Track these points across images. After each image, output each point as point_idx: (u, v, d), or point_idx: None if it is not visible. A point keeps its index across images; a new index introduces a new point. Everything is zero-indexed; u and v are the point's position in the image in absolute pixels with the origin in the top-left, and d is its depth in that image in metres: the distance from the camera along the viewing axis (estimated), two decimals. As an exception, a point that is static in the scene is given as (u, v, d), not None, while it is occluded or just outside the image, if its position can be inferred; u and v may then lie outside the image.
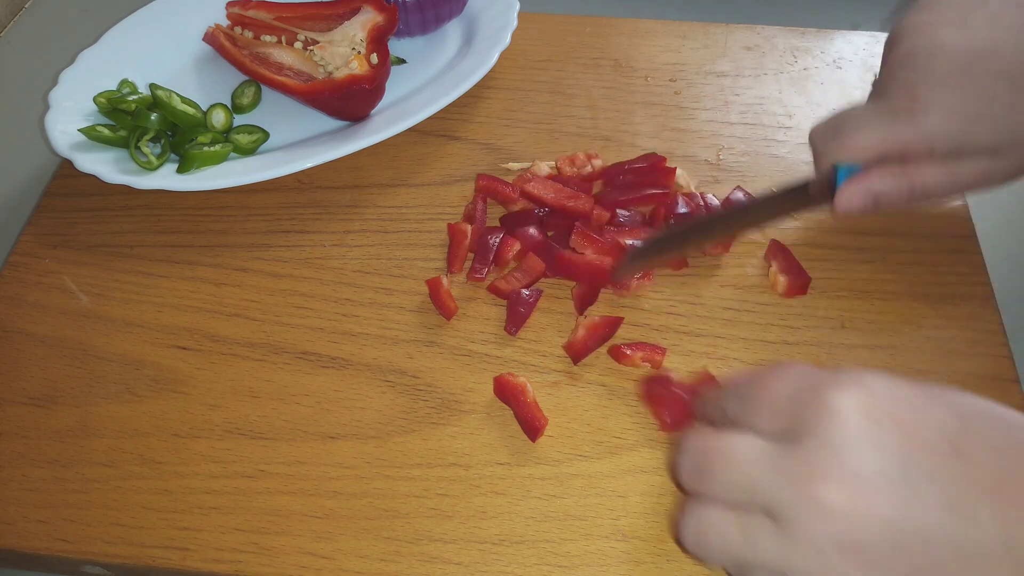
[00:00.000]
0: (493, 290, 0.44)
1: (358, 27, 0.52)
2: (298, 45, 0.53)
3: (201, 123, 0.51)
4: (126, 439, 0.40)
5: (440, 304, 0.44)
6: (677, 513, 0.31)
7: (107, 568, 0.37)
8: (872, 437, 0.27)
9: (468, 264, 0.46)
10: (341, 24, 0.53)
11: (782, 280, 0.44)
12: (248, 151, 0.51)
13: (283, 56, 0.54)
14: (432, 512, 0.38)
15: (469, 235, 0.46)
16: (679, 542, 0.33)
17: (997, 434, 0.28)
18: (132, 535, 0.37)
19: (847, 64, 0.56)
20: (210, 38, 0.57)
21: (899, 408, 0.28)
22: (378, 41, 0.51)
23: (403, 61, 0.56)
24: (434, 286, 0.44)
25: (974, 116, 0.38)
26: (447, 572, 0.36)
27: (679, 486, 0.34)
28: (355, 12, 0.53)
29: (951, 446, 0.27)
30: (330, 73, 0.51)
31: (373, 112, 0.53)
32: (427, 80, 0.55)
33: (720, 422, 0.33)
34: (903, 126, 0.38)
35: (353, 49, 0.52)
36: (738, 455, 0.30)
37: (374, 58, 0.51)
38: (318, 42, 0.53)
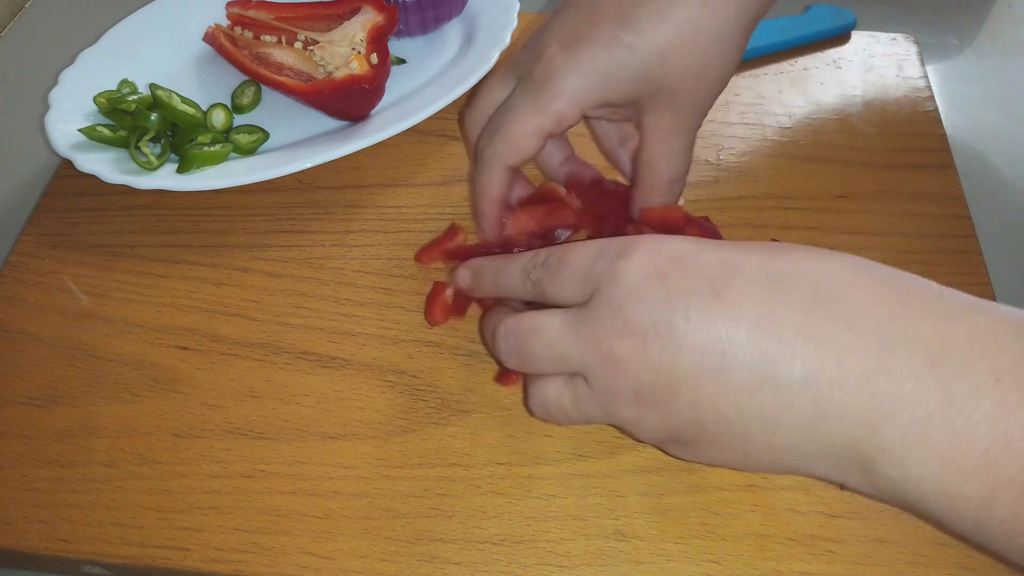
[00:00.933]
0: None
1: (358, 27, 0.52)
2: (298, 45, 0.53)
3: (201, 123, 0.51)
4: (126, 439, 0.40)
5: (433, 309, 0.43)
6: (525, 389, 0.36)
7: (107, 568, 0.37)
8: (640, 292, 0.31)
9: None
10: (341, 24, 0.53)
11: None
12: (248, 151, 0.51)
13: (283, 56, 0.54)
14: (432, 512, 0.38)
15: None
16: (532, 415, 0.36)
17: (763, 274, 0.30)
18: (132, 535, 0.37)
19: (847, 64, 0.56)
20: (210, 38, 0.57)
21: (671, 264, 0.31)
22: (378, 41, 0.51)
23: (403, 61, 0.56)
24: (436, 291, 0.43)
25: (602, 70, 0.37)
26: (447, 572, 0.36)
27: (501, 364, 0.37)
28: (355, 12, 0.53)
29: (711, 289, 0.30)
30: (330, 73, 0.51)
31: (373, 112, 0.53)
32: (427, 80, 0.55)
33: (522, 295, 0.36)
34: (548, 98, 0.38)
35: (353, 49, 0.52)
36: (548, 331, 0.33)
37: (374, 58, 0.51)
38: (318, 42, 0.53)
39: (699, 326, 0.30)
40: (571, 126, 0.39)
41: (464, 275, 0.40)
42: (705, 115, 0.40)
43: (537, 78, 0.38)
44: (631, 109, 0.40)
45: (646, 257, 0.31)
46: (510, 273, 0.37)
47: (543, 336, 0.33)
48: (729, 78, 0.39)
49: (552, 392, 0.34)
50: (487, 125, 0.41)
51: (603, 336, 0.31)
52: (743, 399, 0.30)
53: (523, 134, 0.39)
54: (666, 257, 0.31)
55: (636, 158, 0.41)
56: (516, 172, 0.42)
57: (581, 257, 0.33)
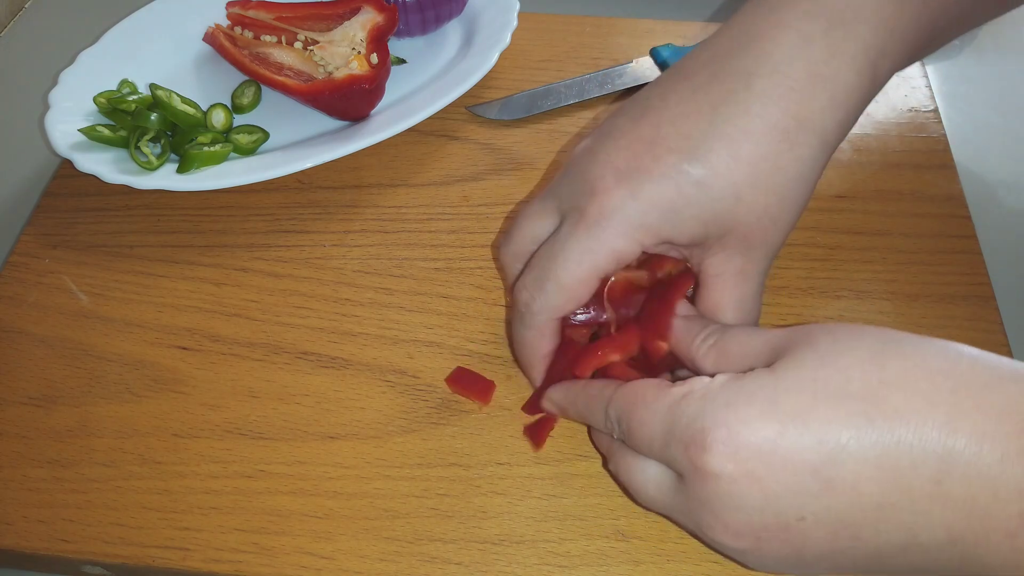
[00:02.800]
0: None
1: (358, 27, 0.52)
2: (298, 45, 0.53)
3: (201, 123, 0.51)
4: (126, 439, 0.40)
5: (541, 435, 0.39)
6: None
7: (107, 568, 0.37)
8: (733, 499, 0.28)
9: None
10: (341, 24, 0.53)
11: None
12: (248, 151, 0.51)
13: (283, 56, 0.54)
14: (432, 512, 0.38)
15: None
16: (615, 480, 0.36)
17: (868, 445, 0.27)
18: (132, 535, 0.37)
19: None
20: (210, 38, 0.57)
21: (758, 461, 0.28)
22: (378, 41, 0.51)
23: (403, 61, 0.56)
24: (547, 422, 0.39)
25: (668, 207, 0.33)
26: (447, 572, 0.36)
27: None
28: (355, 12, 0.53)
29: (818, 482, 0.27)
30: (330, 73, 0.51)
31: (373, 112, 0.53)
32: (427, 80, 0.55)
33: (610, 434, 0.34)
34: (606, 236, 0.33)
35: (353, 49, 0.52)
36: (642, 488, 0.32)
37: (374, 58, 0.51)
38: (318, 42, 0.53)
39: (818, 521, 0.28)
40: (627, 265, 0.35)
41: (552, 408, 0.38)
42: (774, 258, 0.35)
43: (591, 213, 0.33)
44: (695, 249, 0.35)
45: (726, 454, 0.28)
46: (596, 422, 0.34)
47: (639, 492, 0.33)
48: (800, 215, 0.35)
49: (650, 489, 0.33)
50: (531, 270, 0.35)
51: (706, 528, 0.30)
52: (886, 560, 0.28)
53: (578, 281, 0.34)
54: (749, 452, 0.28)
55: (698, 304, 0.36)
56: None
57: (650, 434, 0.30)
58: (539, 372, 0.38)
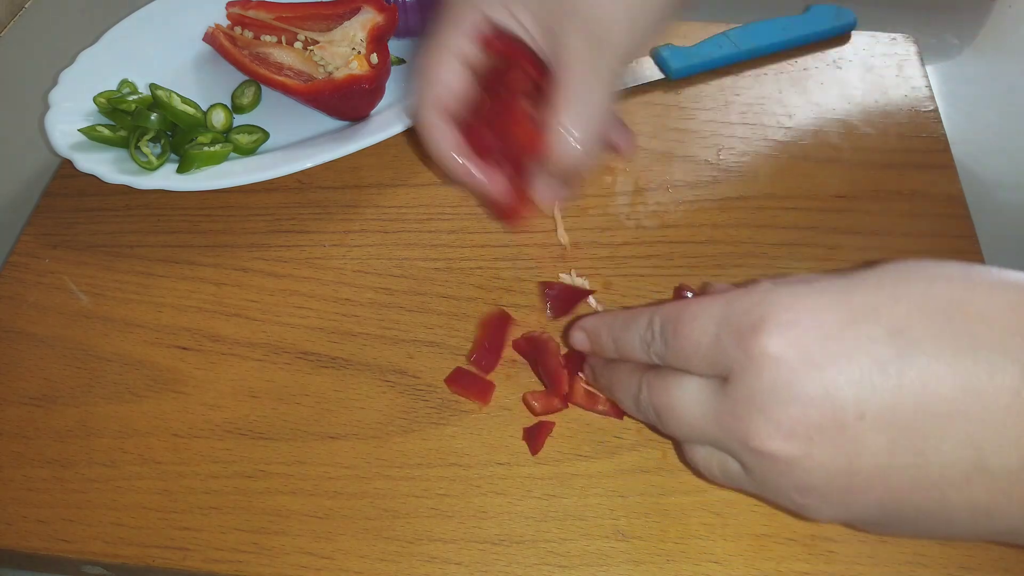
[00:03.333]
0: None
1: (358, 27, 0.52)
2: (298, 45, 0.53)
3: (201, 123, 0.51)
4: (126, 439, 0.40)
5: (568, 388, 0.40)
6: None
7: (107, 568, 0.37)
8: (790, 388, 0.26)
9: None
10: (341, 24, 0.53)
11: None
12: (248, 151, 0.51)
13: (283, 56, 0.54)
14: (432, 512, 0.38)
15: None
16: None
17: (940, 360, 0.25)
18: (132, 535, 0.37)
19: (847, 64, 0.56)
20: (210, 38, 0.57)
21: (821, 344, 0.26)
22: (378, 41, 0.51)
23: (403, 61, 0.56)
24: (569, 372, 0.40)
25: None
26: (447, 572, 0.36)
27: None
28: (355, 12, 0.53)
29: (884, 374, 0.25)
30: (330, 73, 0.51)
31: (373, 112, 0.53)
32: (427, 80, 0.55)
33: (644, 357, 0.32)
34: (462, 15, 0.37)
35: (353, 49, 0.52)
36: (682, 411, 0.30)
37: (374, 58, 0.51)
38: (318, 42, 0.53)
39: (879, 423, 0.25)
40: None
41: (580, 339, 0.36)
42: (625, 63, 0.37)
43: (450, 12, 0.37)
44: (547, 38, 0.37)
45: (786, 337, 0.26)
46: (629, 342, 0.32)
47: (678, 416, 0.30)
48: (656, 28, 0.37)
49: (699, 457, 0.31)
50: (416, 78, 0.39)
51: (752, 434, 0.27)
52: (948, 494, 0.25)
53: (439, 66, 0.38)
54: (811, 337, 0.26)
55: (552, 103, 0.37)
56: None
57: (699, 330, 0.28)
58: (455, 161, 0.39)
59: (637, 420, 0.38)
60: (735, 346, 0.27)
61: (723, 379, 0.28)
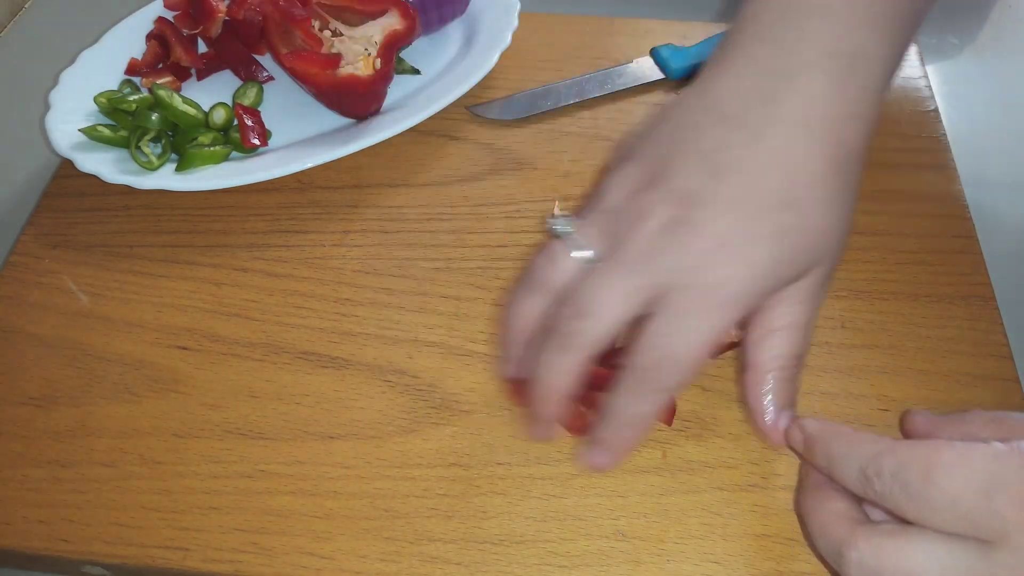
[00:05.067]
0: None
1: (378, 29, 0.52)
2: (327, 33, 0.53)
3: (202, 123, 0.51)
4: (126, 439, 0.40)
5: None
6: None
7: (107, 568, 0.37)
8: None
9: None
10: (366, 22, 0.53)
11: None
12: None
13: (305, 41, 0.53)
14: (432, 512, 0.38)
15: None
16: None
17: None
18: (132, 535, 0.37)
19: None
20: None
21: None
22: (389, 48, 0.51)
23: (417, 72, 0.56)
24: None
25: (773, 260, 0.33)
26: (447, 572, 0.36)
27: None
28: (382, 14, 0.53)
29: None
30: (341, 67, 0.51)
31: (374, 113, 0.53)
32: (427, 80, 0.55)
33: (857, 488, 0.30)
34: (722, 311, 0.33)
35: (366, 49, 0.51)
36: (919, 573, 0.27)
37: (378, 63, 0.50)
38: (343, 34, 0.52)
39: None
40: None
41: (798, 438, 0.33)
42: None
43: (710, 288, 0.32)
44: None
45: None
46: (846, 466, 0.30)
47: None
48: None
49: None
50: (648, 351, 0.33)
51: None
52: None
53: (697, 360, 0.33)
54: None
55: (750, 334, 0.35)
56: None
57: (962, 483, 0.26)
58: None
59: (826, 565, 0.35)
60: (1014, 508, 0.25)
61: (983, 542, 0.26)
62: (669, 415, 0.40)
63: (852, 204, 0.35)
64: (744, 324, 0.35)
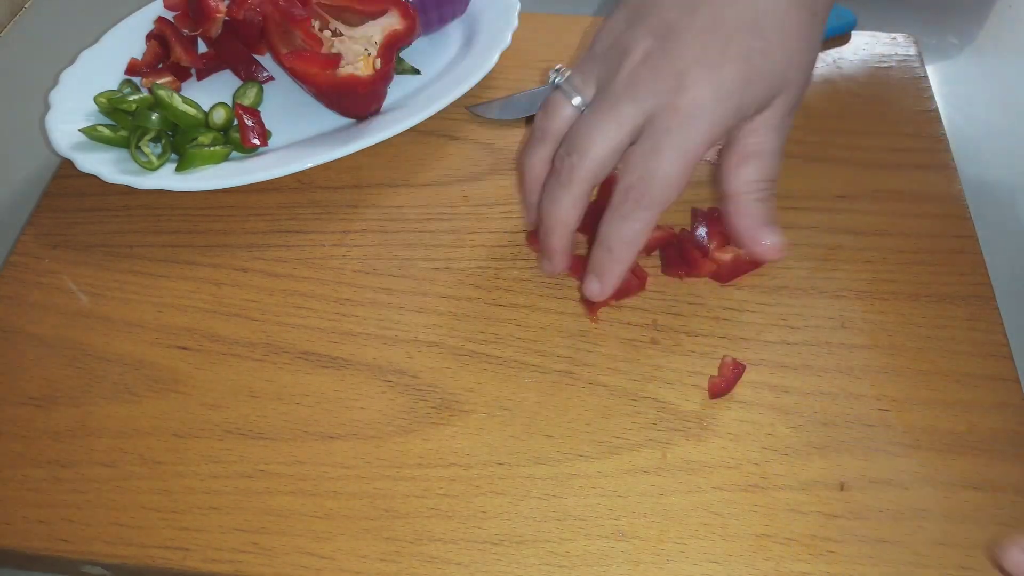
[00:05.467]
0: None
1: (378, 29, 0.52)
2: (327, 33, 0.53)
3: (202, 123, 0.51)
4: (126, 439, 0.40)
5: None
6: None
7: (107, 568, 0.37)
8: None
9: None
10: (366, 22, 0.53)
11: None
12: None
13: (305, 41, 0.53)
14: (432, 512, 0.38)
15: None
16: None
17: None
18: (132, 535, 0.37)
19: (847, 64, 0.56)
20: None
21: None
22: (389, 48, 0.51)
23: (417, 72, 0.56)
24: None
25: (742, 81, 0.37)
26: (447, 572, 0.36)
27: None
28: (382, 13, 0.53)
29: None
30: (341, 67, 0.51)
31: (374, 113, 0.53)
32: (427, 80, 0.55)
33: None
34: (698, 128, 0.37)
35: (366, 49, 0.51)
36: None
37: (378, 63, 0.50)
38: (343, 34, 0.52)
39: None
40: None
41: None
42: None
43: (685, 108, 0.36)
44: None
45: None
46: None
47: None
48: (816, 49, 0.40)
49: None
50: (631, 171, 0.37)
51: None
52: None
53: (681, 175, 0.37)
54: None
55: (728, 156, 0.39)
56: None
57: None
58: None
59: None
60: None
61: None
62: (641, 280, 0.42)
63: (816, 38, 0.39)
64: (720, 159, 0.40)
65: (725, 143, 0.39)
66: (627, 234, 0.38)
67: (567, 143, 0.38)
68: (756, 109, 0.38)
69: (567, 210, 0.39)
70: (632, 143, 0.37)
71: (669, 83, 0.36)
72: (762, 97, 0.37)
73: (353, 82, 0.50)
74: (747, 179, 0.39)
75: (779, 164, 0.39)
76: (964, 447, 0.39)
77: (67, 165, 0.50)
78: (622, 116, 0.37)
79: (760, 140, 0.38)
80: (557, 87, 0.40)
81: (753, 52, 0.36)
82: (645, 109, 0.37)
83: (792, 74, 0.37)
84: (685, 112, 0.36)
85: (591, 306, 0.44)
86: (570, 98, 0.39)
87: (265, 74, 0.56)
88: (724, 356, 0.42)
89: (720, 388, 0.41)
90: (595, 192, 0.40)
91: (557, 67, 0.41)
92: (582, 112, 0.39)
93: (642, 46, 0.37)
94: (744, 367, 0.41)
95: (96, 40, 0.56)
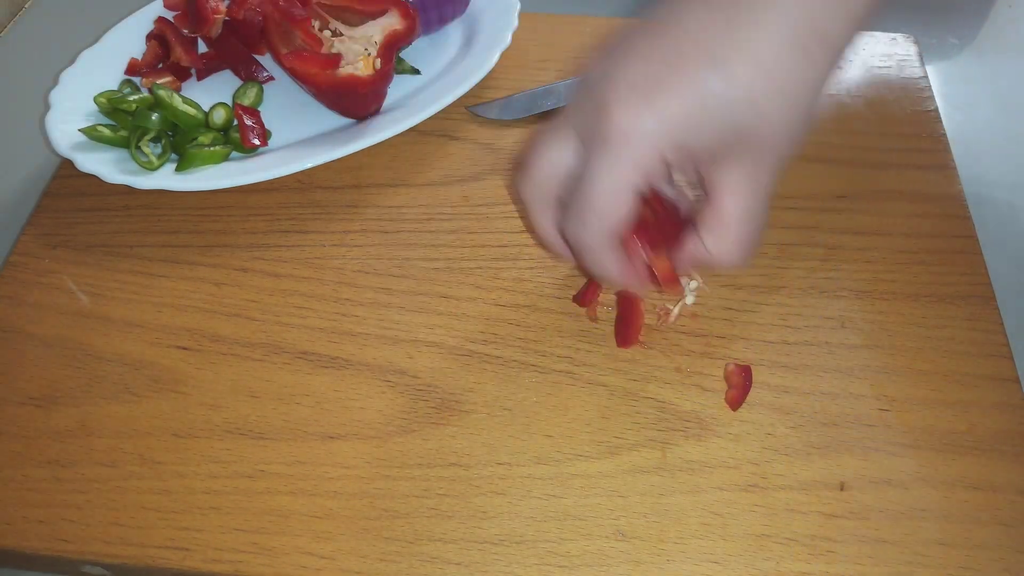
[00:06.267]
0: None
1: (378, 29, 0.52)
2: (327, 33, 0.53)
3: (202, 123, 0.51)
4: (126, 439, 0.40)
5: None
6: None
7: (107, 568, 0.37)
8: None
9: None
10: (366, 22, 0.53)
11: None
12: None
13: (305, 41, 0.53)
14: (432, 512, 0.38)
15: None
16: None
17: None
18: (132, 535, 0.37)
19: (847, 64, 0.56)
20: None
21: None
22: (389, 48, 0.51)
23: (417, 72, 0.56)
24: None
25: (687, 114, 0.33)
26: (447, 572, 0.36)
27: None
28: (382, 13, 0.53)
29: None
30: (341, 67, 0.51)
31: (374, 113, 0.53)
32: (427, 80, 0.55)
33: None
34: (630, 151, 0.34)
35: (366, 50, 0.51)
36: None
37: (378, 63, 0.50)
38: (343, 34, 0.52)
39: None
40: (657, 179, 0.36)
41: None
42: (782, 170, 0.35)
43: (613, 135, 0.33)
44: (706, 162, 0.35)
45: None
46: None
47: None
48: (809, 126, 0.35)
49: None
50: (569, 208, 0.36)
51: None
52: None
53: (616, 205, 0.34)
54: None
55: (706, 215, 0.36)
56: None
57: None
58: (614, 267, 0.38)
59: None
60: None
61: None
62: (667, 276, 0.39)
63: (810, 87, 0.33)
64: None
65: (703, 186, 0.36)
66: (586, 240, 0.36)
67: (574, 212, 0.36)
68: (711, 154, 0.34)
69: (614, 266, 0.37)
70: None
71: (602, 109, 0.33)
72: (713, 141, 0.33)
73: (353, 82, 0.50)
74: (698, 253, 0.36)
75: (750, 241, 0.36)
76: (964, 447, 0.39)
77: (67, 165, 0.50)
78: (560, 138, 0.36)
79: (729, 198, 0.35)
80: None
81: (706, 88, 0.32)
82: (581, 135, 0.35)
83: (763, 128, 0.33)
84: (612, 141, 0.33)
85: (590, 305, 0.44)
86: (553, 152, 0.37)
87: (265, 74, 0.56)
88: (727, 364, 0.41)
89: (737, 398, 0.40)
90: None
91: None
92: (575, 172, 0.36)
93: (596, 69, 0.35)
94: (749, 369, 0.41)
95: (96, 40, 0.56)
